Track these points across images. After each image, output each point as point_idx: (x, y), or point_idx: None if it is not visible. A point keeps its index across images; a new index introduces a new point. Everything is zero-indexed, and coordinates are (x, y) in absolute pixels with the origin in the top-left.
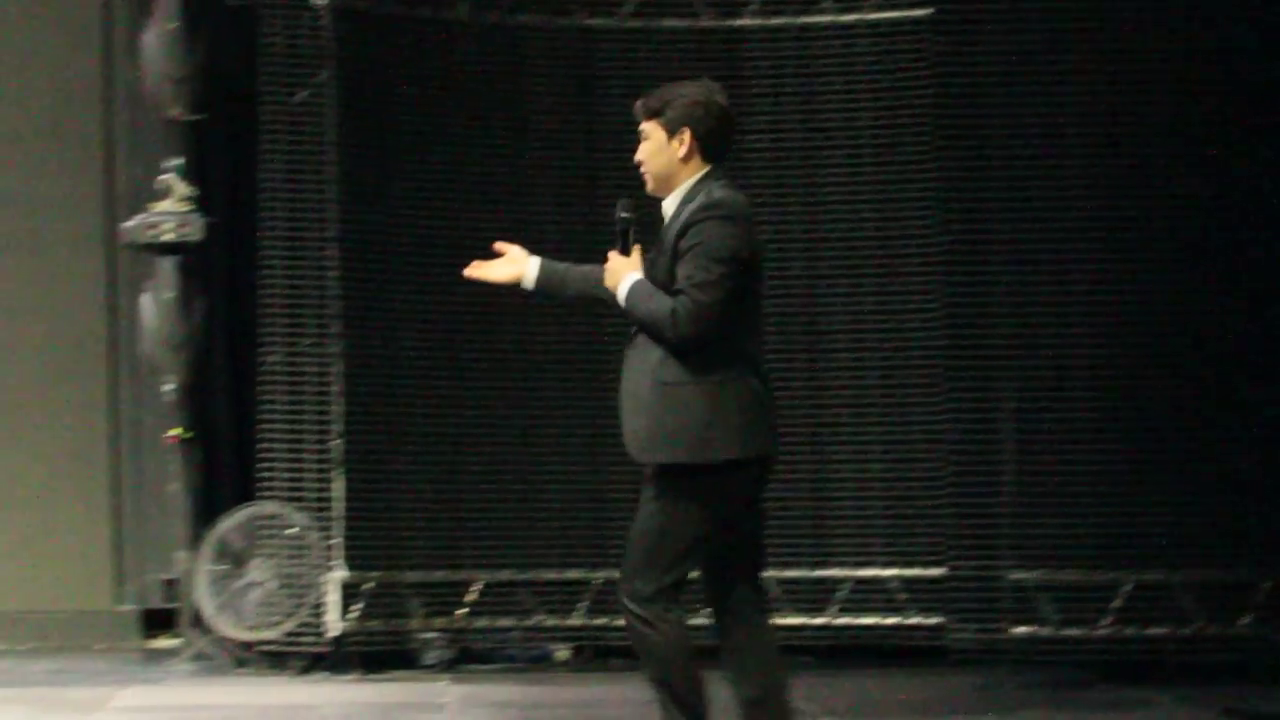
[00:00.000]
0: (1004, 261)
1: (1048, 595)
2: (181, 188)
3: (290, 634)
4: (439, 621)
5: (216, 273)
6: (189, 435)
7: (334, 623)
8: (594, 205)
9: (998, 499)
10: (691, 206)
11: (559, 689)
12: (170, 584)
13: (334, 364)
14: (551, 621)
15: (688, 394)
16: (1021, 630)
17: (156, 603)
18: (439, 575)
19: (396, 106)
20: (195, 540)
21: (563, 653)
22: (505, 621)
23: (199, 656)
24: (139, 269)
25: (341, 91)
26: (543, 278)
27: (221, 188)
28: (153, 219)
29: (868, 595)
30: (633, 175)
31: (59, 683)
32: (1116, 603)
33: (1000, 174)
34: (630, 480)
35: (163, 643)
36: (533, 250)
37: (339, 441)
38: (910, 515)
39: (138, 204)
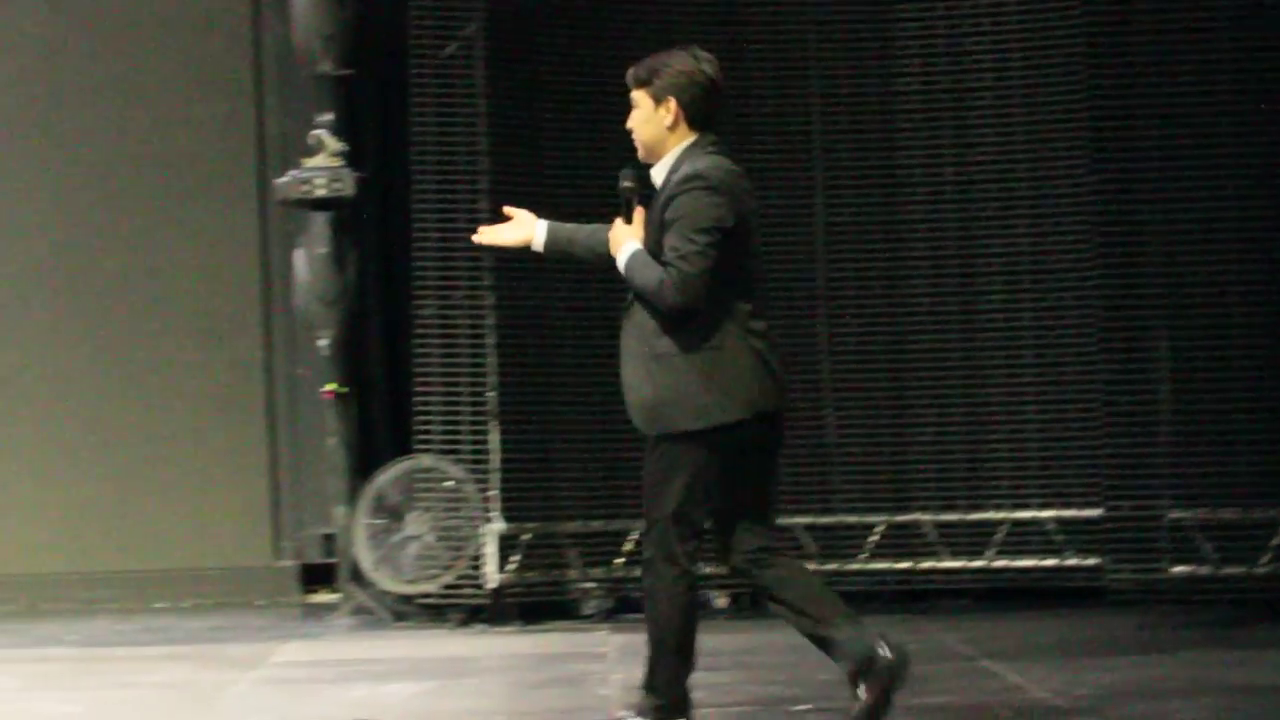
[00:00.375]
0: (1156, 200)
1: (1206, 534)
2: (333, 143)
3: (449, 587)
4: (597, 571)
5: (369, 227)
6: (344, 390)
7: (492, 574)
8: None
9: (1155, 438)
10: (676, 177)
11: (717, 636)
12: (328, 539)
13: (488, 316)
14: (709, 569)
15: (681, 363)
16: (1180, 570)
17: (315, 558)
18: (596, 525)
19: (545, 56)
20: (353, 495)
21: (721, 600)
22: None
23: (358, 611)
24: (291, 225)
25: (490, 43)
26: (550, 240)
27: (372, 142)
28: (305, 175)
29: (1025, 538)
30: (778, 122)
31: (219, 639)
32: (1276, 540)
33: (1151, 115)
34: (792, 428)
35: (322, 598)
36: None
37: (494, 393)
38: (1067, 456)
39: (289, 160)
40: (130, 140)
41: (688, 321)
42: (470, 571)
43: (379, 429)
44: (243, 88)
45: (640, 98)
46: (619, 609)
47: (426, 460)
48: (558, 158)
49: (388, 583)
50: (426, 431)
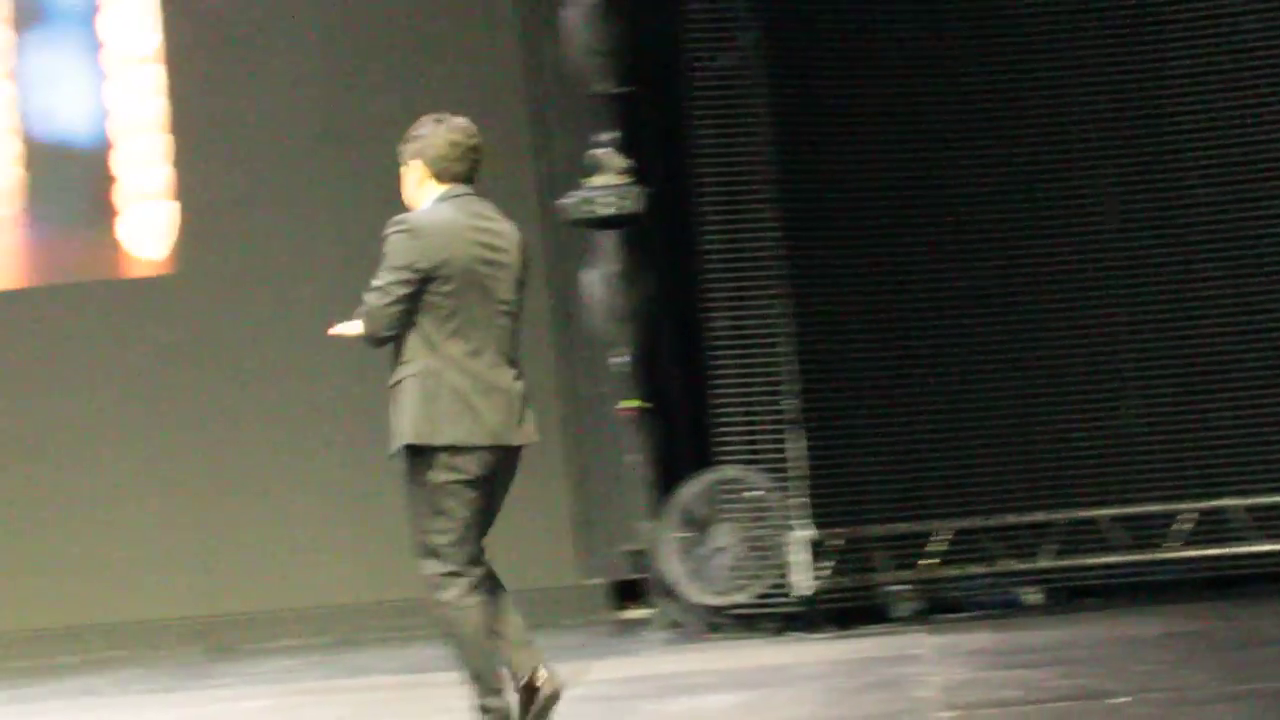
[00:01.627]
0: None
1: None
2: (616, 161)
3: (760, 596)
4: (907, 573)
5: (657, 242)
6: (644, 406)
7: (803, 582)
8: (1011, 152)
9: None
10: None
11: (1032, 633)
12: (636, 555)
13: (781, 324)
14: (1019, 565)
15: (398, 391)
16: None
17: (624, 574)
18: (903, 527)
19: (823, 60)
20: (658, 510)
21: (1033, 596)
22: (973, 569)
23: (671, 625)
24: (579, 244)
25: (768, 51)
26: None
27: (655, 157)
28: (589, 194)
29: None
30: (1069, 114)
31: None
32: None
33: None
34: (1094, 418)
35: (634, 613)
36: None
37: (793, 400)
38: None
39: (572, 180)
40: None
41: (396, 348)
42: (780, 580)
43: (680, 443)
44: (522, 111)
45: (402, 165)
46: (931, 609)
47: (730, 471)
48: (841, 162)
49: (699, 595)
50: (727, 442)
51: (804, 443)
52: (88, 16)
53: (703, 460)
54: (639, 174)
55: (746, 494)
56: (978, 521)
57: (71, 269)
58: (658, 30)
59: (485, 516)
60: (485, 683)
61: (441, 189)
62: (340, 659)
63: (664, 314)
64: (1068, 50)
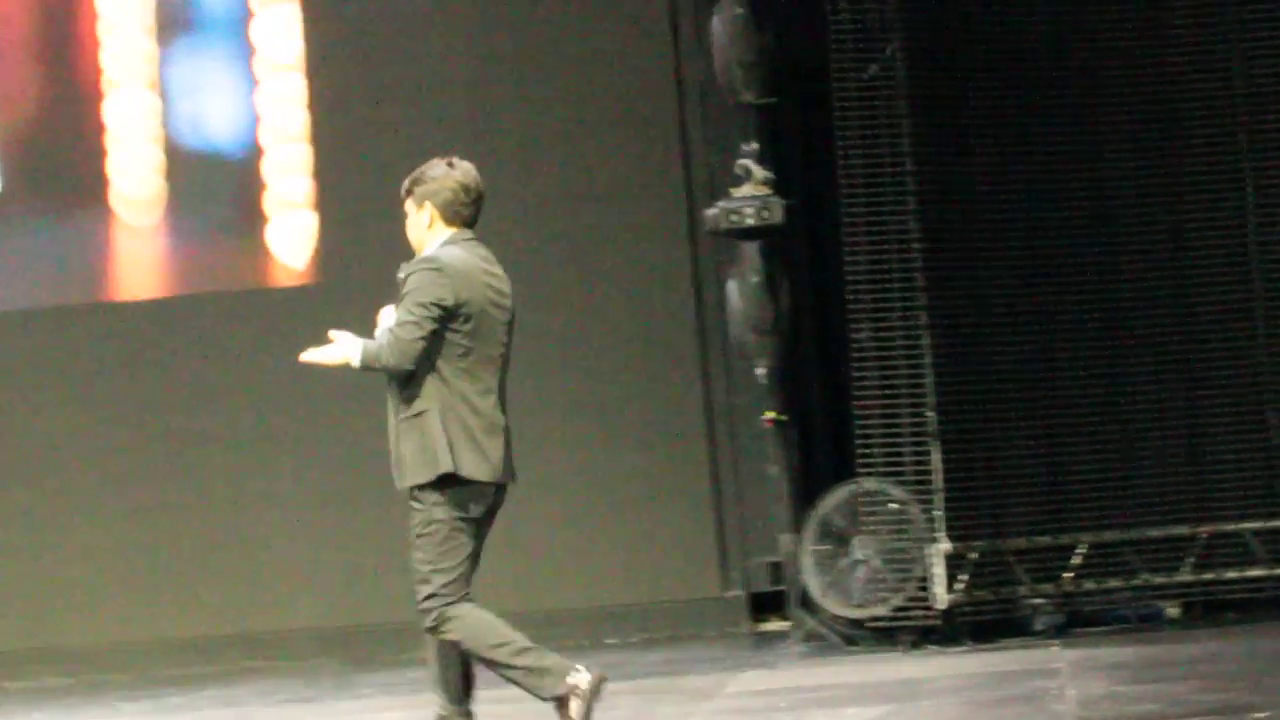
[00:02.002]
0: None
1: None
2: (759, 172)
3: (898, 609)
4: (1046, 587)
5: (800, 253)
6: (784, 418)
7: (941, 595)
8: (1160, 158)
9: None
10: (414, 261)
11: (1172, 647)
12: (775, 567)
13: (924, 335)
14: (1159, 579)
15: (410, 425)
16: None
17: (763, 586)
18: (1043, 540)
19: (967, 71)
20: (797, 522)
21: (1173, 610)
22: (1113, 582)
23: (809, 637)
24: (723, 255)
25: (911, 61)
26: (364, 356)
27: (798, 168)
28: (733, 204)
29: None
30: (1204, 113)
31: (673, 672)
32: None
33: None
34: (1237, 430)
35: (772, 626)
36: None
37: (933, 413)
38: None
39: (717, 191)
40: (559, 181)
41: (406, 382)
42: (919, 593)
43: (820, 455)
44: (667, 122)
45: (407, 205)
46: (1070, 623)
47: (870, 484)
48: (986, 172)
49: (837, 608)
50: (868, 454)
51: (943, 455)
52: (237, 24)
53: (842, 472)
54: (782, 185)
55: (886, 506)
56: (1118, 534)
57: (217, 278)
58: (805, 42)
59: (478, 555)
60: (529, 651)
61: (449, 232)
62: (479, 670)
63: (805, 325)
64: (1219, 51)
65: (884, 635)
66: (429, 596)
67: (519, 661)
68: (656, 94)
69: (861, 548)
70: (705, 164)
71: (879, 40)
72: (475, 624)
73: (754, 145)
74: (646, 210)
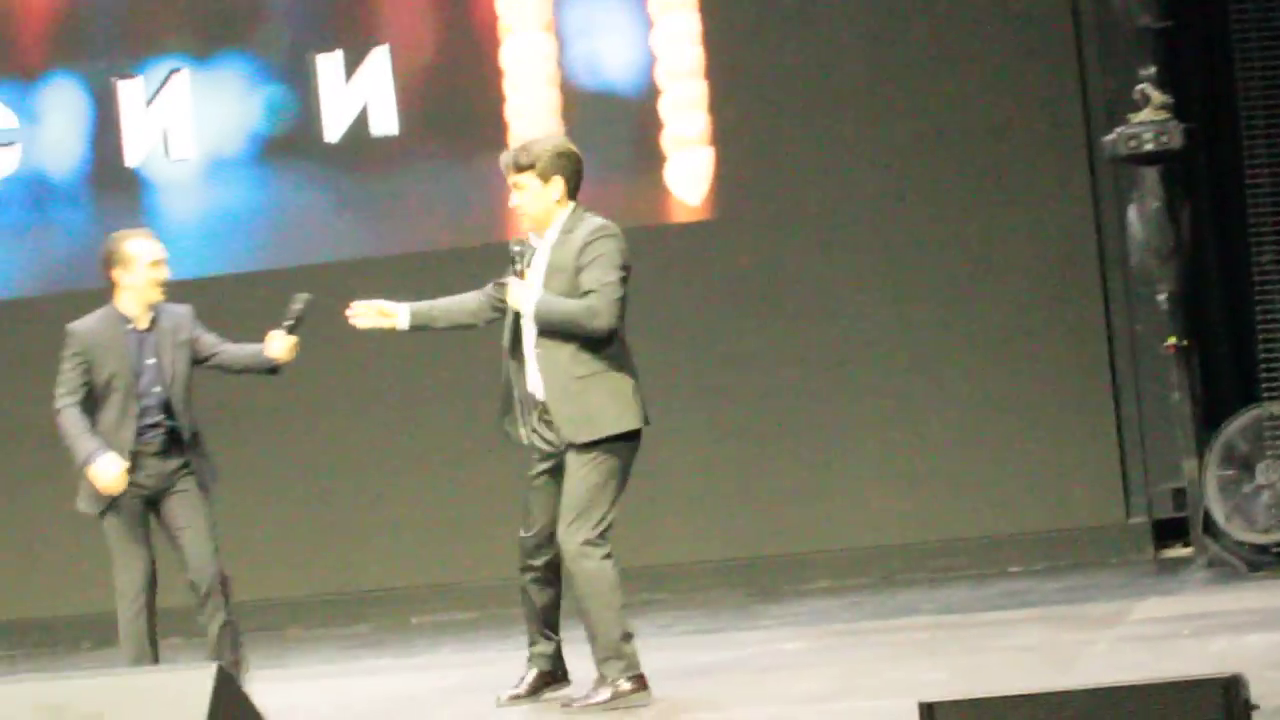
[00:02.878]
0: None
1: None
2: (1158, 96)
3: None
4: None
5: (1201, 178)
6: (1186, 343)
7: None
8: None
9: None
10: (582, 229)
11: None
12: (1178, 493)
13: None
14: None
15: (596, 381)
16: None
17: (1166, 513)
18: None
19: None
20: (1201, 447)
21: None
22: None
23: (1213, 563)
24: (1122, 181)
25: None
26: (413, 318)
27: (1197, 92)
28: (1131, 130)
29: None
30: None
31: (1076, 599)
32: None
33: None
34: None
35: (1175, 552)
36: None
37: None
38: None
39: (1114, 117)
40: (958, 110)
41: (607, 344)
42: None
43: (1223, 379)
44: (1065, 48)
45: (525, 179)
46: None
47: (1275, 407)
48: None
49: (1241, 533)
50: (1273, 378)
51: None
52: None
53: (1247, 396)
54: (1181, 109)
55: None
56: None
57: (616, 216)
58: None
59: None
60: (628, 632)
61: (570, 205)
62: (879, 599)
63: (1207, 250)
64: None
65: None
66: (600, 536)
67: (618, 632)
68: (1053, 20)
69: (1266, 472)
70: (1103, 90)
71: None
72: (615, 581)
73: (1152, 70)
74: (1044, 138)
